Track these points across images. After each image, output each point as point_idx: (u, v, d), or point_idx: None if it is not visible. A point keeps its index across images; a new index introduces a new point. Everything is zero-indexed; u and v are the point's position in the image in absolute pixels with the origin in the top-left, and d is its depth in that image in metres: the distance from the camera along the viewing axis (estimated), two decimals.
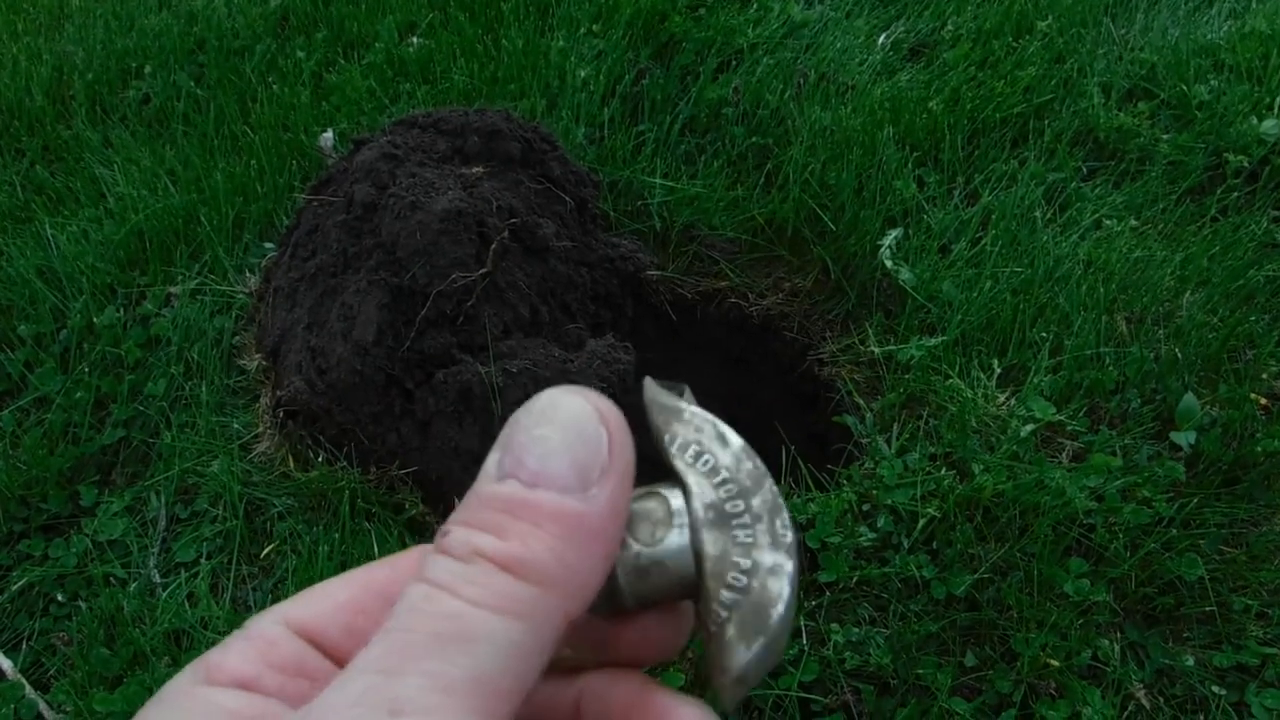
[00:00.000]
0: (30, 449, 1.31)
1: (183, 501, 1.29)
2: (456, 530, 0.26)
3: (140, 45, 2.05)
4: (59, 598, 1.19)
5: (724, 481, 0.29)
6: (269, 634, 0.29)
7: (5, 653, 1.11)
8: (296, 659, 0.28)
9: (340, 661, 0.29)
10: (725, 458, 0.30)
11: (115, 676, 1.08)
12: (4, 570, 1.23)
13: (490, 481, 0.27)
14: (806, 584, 1.21)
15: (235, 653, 0.28)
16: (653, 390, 0.32)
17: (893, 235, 1.62)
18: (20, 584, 1.19)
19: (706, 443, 0.30)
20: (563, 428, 0.27)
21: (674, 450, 0.30)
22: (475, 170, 1.36)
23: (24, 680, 1.08)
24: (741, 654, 0.27)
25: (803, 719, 1.11)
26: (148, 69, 2.01)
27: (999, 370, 1.42)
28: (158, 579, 1.19)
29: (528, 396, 1.07)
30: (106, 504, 1.27)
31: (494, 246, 1.27)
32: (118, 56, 2.03)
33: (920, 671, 1.13)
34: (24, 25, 2.16)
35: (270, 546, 1.22)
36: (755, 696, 1.12)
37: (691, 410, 0.31)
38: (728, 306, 1.71)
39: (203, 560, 1.21)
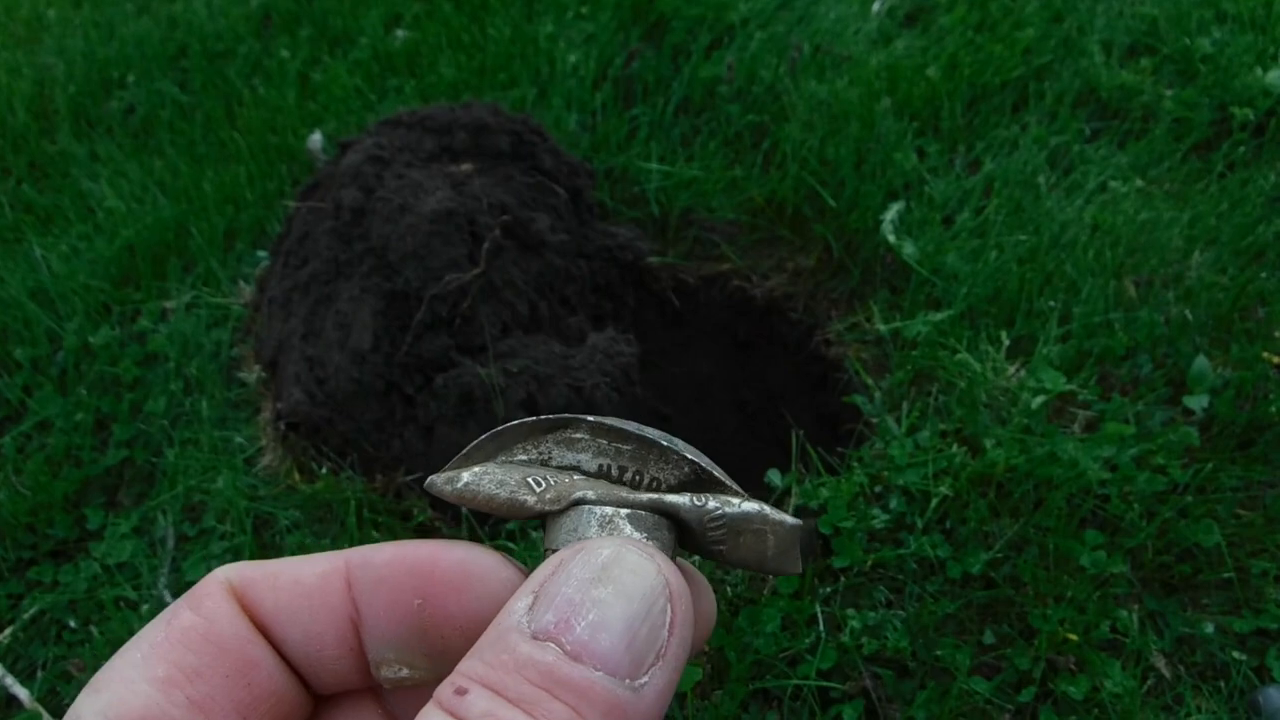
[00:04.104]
0: (33, 474, 1.31)
1: (190, 519, 1.29)
2: (477, 694, 0.22)
3: (121, 54, 2.02)
4: (71, 624, 1.19)
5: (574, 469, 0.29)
6: None
7: (21, 682, 1.11)
8: None
9: None
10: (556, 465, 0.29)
11: None
12: (15, 599, 1.23)
13: (523, 636, 0.23)
14: (821, 570, 1.20)
15: None
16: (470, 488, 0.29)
17: (894, 209, 1.59)
18: (32, 612, 1.19)
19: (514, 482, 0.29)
20: (625, 596, 0.23)
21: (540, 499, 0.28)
22: (464, 167, 1.33)
23: (41, 709, 1.08)
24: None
25: (822, 707, 1.11)
26: (130, 78, 1.99)
27: (1007, 342, 1.40)
28: (169, 599, 1.19)
29: (530, 396, 1.04)
30: (114, 526, 1.27)
31: (486, 245, 1.25)
32: (99, 67, 2.00)
33: (939, 653, 1.13)
34: (1, 39, 2.13)
35: None
36: (773, 686, 1.11)
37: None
38: (731, 290, 1.69)
39: None
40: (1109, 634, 1.12)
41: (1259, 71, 1.77)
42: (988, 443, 1.27)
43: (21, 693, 1.10)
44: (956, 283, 1.47)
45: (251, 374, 1.43)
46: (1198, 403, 1.31)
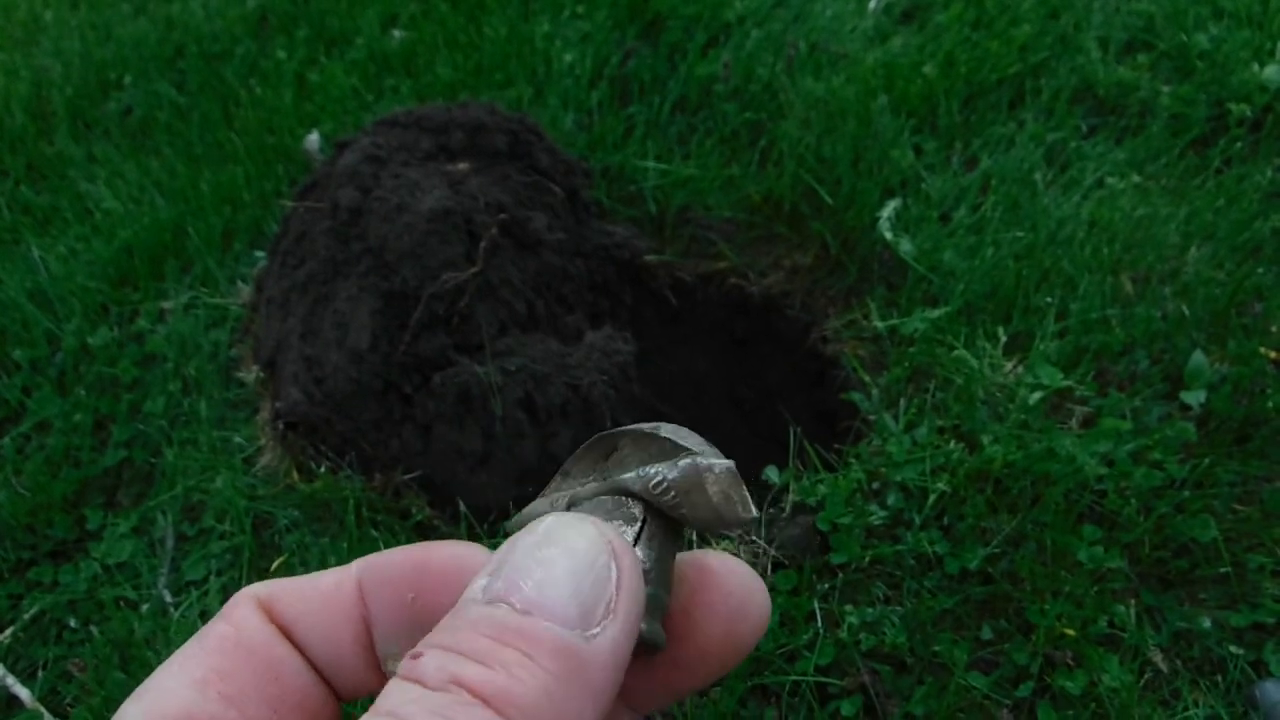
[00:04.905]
0: (33, 475, 1.31)
1: (189, 519, 1.29)
2: (432, 654, 0.23)
3: (119, 55, 2.03)
4: (71, 624, 1.19)
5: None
6: None
7: (22, 682, 1.12)
8: None
9: None
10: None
11: None
12: (15, 599, 1.23)
13: (477, 604, 0.24)
14: (819, 567, 1.20)
15: None
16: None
17: (891, 206, 1.59)
18: (32, 612, 1.20)
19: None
20: (569, 553, 0.25)
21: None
22: (461, 167, 1.34)
23: (42, 709, 1.08)
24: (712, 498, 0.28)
25: (820, 702, 1.11)
26: (127, 79, 1.99)
27: (1004, 338, 1.41)
28: (169, 599, 1.19)
29: (527, 394, 1.06)
30: (113, 526, 1.27)
31: (483, 244, 1.25)
32: (96, 68, 2.00)
33: (937, 648, 1.13)
34: None
35: (279, 560, 1.22)
36: (771, 682, 1.12)
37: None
38: (728, 287, 1.69)
39: (212, 577, 1.21)
40: (1106, 629, 1.12)
41: (1256, 67, 1.77)
42: (985, 439, 1.27)
43: (22, 692, 1.10)
44: (953, 279, 1.47)
45: (250, 374, 1.43)
46: (1195, 398, 1.32)
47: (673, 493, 0.28)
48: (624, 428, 0.30)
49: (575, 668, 0.23)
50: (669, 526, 0.29)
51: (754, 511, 0.28)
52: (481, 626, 0.24)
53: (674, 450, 0.29)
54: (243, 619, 0.29)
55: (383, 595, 0.29)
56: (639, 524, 0.28)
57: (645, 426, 0.30)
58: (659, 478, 0.28)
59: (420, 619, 0.28)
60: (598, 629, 0.24)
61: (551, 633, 0.23)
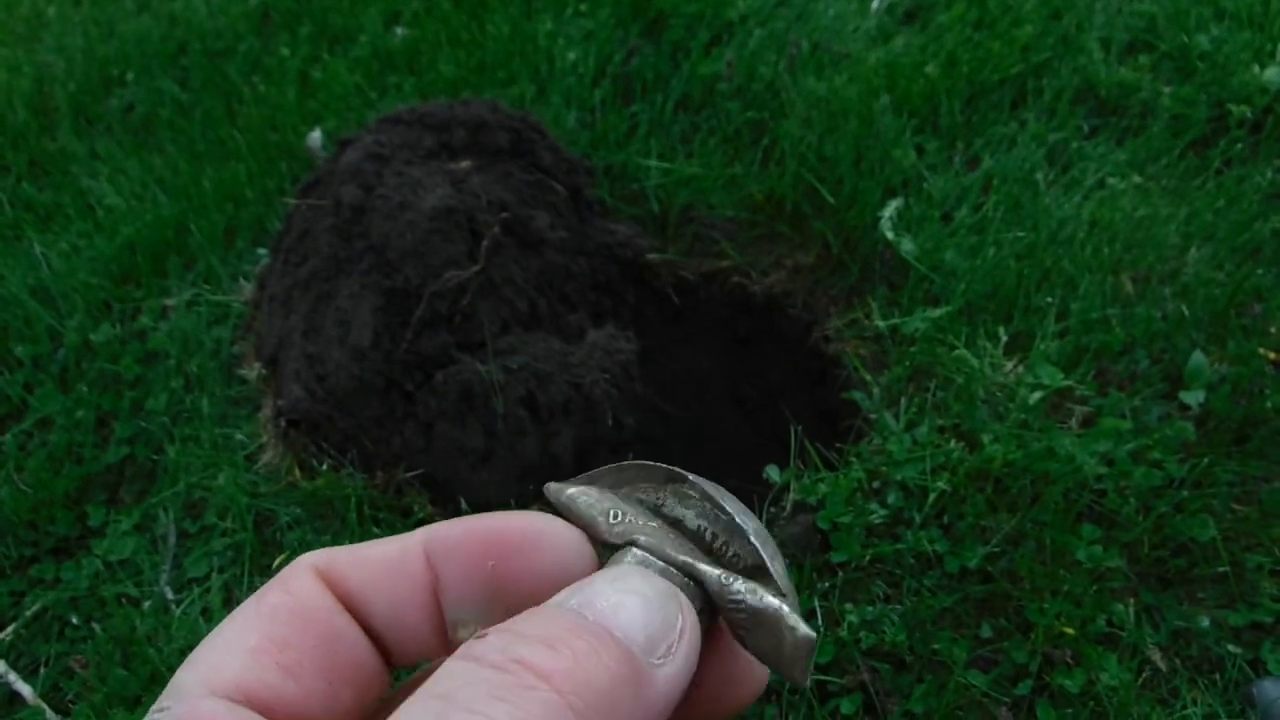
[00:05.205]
0: (35, 472, 1.31)
1: (191, 516, 1.30)
2: (496, 635, 0.24)
3: (121, 52, 2.03)
4: (73, 620, 1.19)
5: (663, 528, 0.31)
6: (205, 716, 0.25)
7: (24, 678, 1.12)
8: None
9: (285, 709, 0.26)
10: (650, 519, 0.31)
11: (134, 697, 1.08)
12: (17, 596, 1.23)
13: (550, 607, 0.25)
14: (819, 565, 1.21)
15: None
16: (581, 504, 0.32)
17: (893, 206, 1.60)
18: (34, 609, 1.20)
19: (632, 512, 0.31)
20: (643, 595, 0.26)
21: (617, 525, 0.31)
22: (463, 165, 1.34)
23: (45, 705, 1.09)
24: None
25: (820, 700, 1.11)
26: (130, 76, 1.99)
27: (1005, 338, 1.41)
28: (171, 596, 1.20)
29: (529, 393, 1.08)
30: (115, 523, 1.27)
31: (485, 242, 1.25)
32: (99, 64, 2.01)
33: (936, 646, 1.13)
34: (1, 36, 2.14)
35: (281, 557, 1.22)
36: (770, 681, 1.12)
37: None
38: (731, 286, 1.69)
39: (214, 574, 1.21)
40: (1105, 627, 1.13)
41: (1256, 69, 1.77)
42: (985, 438, 1.27)
43: (25, 689, 1.11)
44: (955, 279, 1.48)
45: (252, 371, 1.43)
46: (1194, 398, 1.32)
47: (745, 614, 0.29)
48: (701, 479, 0.31)
49: (637, 680, 0.24)
50: (714, 617, 0.30)
51: (809, 680, 0.29)
52: (554, 616, 0.24)
53: (746, 543, 0.29)
54: (302, 588, 0.28)
55: (455, 562, 0.29)
56: (698, 610, 0.29)
57: (721, 498, 0.30)
58: (740, 597, 0.28)
59: (499, 585, 0.29)
60: (659, 661, 0.25)
61: (621, 642, 0.24)
